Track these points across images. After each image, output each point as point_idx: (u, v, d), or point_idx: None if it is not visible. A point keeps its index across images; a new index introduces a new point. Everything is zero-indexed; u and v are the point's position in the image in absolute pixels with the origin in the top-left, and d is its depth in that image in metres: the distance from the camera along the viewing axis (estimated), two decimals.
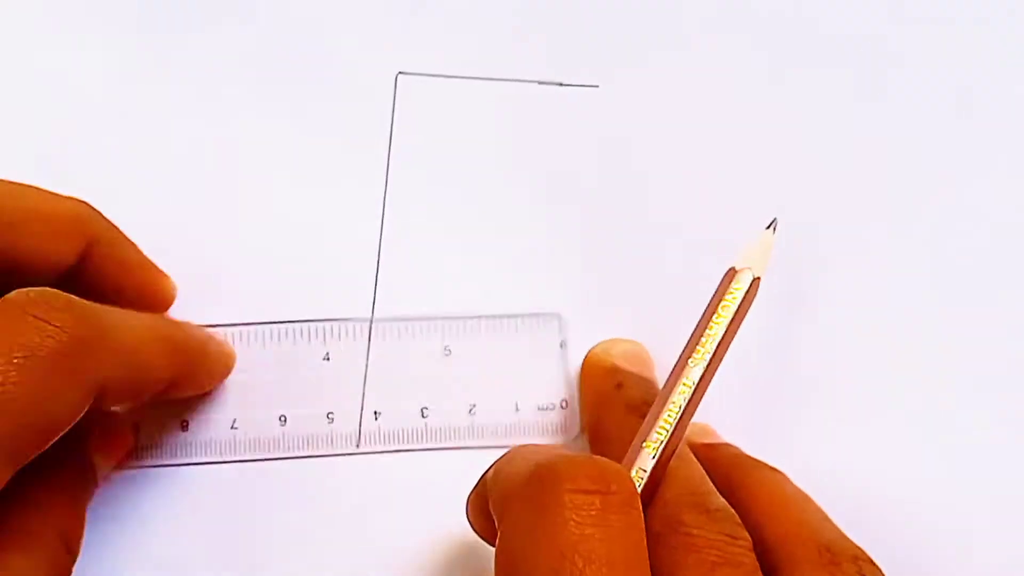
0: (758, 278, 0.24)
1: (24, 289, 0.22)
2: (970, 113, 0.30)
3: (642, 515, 0.21)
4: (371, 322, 0.29)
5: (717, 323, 0.23)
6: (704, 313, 0.24)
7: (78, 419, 0.22)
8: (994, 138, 0.30)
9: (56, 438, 0.22)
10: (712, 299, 0.24)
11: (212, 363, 0.28)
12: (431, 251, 0.30)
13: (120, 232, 0.27)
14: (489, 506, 0.23)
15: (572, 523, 0.20)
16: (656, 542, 0.21)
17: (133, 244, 0.28)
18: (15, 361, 0.21)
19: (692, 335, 0.24)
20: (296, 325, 0.29)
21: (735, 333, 0.23)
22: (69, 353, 0.22)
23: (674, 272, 0.30)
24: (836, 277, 0.30)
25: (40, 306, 0.22)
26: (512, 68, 0.30)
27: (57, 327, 0.22)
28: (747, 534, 0.22)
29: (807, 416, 0.29)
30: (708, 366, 0.23)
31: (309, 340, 0.29)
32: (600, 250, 0.30)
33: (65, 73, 0.31)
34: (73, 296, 0.23)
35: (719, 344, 0.23)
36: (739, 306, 0.23)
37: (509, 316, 0.29)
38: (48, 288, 0.23)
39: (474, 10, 0.31)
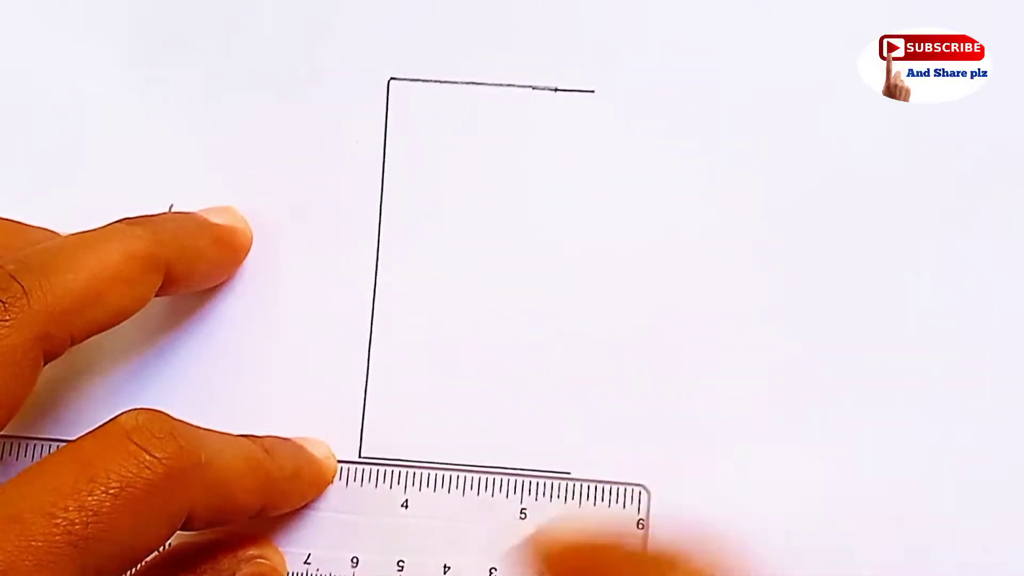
0: None
1: (133, 411, 0.23)
2: None
3: None
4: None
5: None
6: None
7: (164, 543, 0.23)
8: None
9: (140, 562, 0.23)
10: None
11: (305, 488, 0.28)
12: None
13: (184, 224, 0.28)
14: None
15: None
16: None
17: (200, 226, 0.28)
18: (111, 492, 0.21)
19: None
20: (377, 467, 0.29)
21: None
22: (163, 486, 0.22)
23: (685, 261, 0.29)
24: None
25: (143, 434, 0.22)
26: (506, 73, 0.30)
27: (156, 459, 0.22)
28: None
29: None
30: None
31: (391, 485, 0.29)
32: (599, 247, 0.30)
33: (57, 81, 0.31)
34: (177, 424, 0.23)
35: None
36: None
37: (591, 481, 0.29)
38: (156, 413, 0.23)
39: (467, 14, 0.30)
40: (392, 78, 0.30)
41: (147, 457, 0.22)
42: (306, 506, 0.29)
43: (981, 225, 0.29)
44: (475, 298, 0.30)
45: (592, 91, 0.30)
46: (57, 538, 0.21)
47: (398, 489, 0.29)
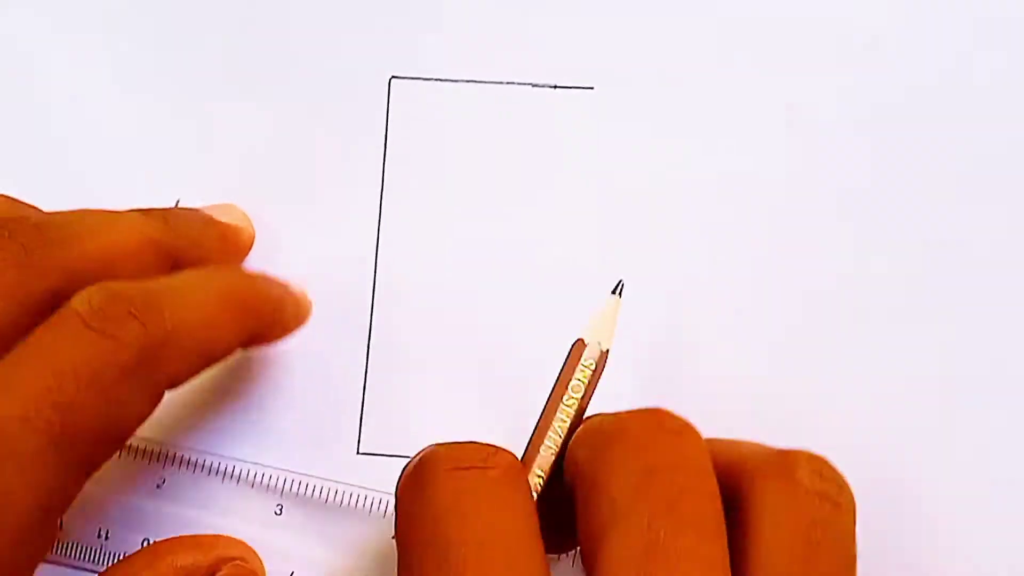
0: (606, 351, 0.23)
1: (85, 292, 0.22)
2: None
3: (530, 494, 0.21)
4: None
5: (568, 405, 0.23)
6: (552, 396, 0.23)
7: (150, 414, 0.22)
8: None
9: (128, 438, 0.22)
10: (560, 377, 0.23)
11: (287, 318, 0.27)
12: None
13: (192, 220, 0.27)
14: None
15: (448, 491, 0.20)
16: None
17: (206, 223, 0.28)
18: (82, 385, 0.21)
19: (542, 418, 0.23)
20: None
21: (585, 409, 0.23)
22: (136, 367, 0.21)
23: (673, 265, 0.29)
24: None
25: (100, 318, 0.21)
26: (506, 71, 0.30)
27: (121, 343, 0.21)
28: None
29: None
30: (557, 454, 0.23)
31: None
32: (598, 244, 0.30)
33: (59, 80, 0.31)
34: (134, 294, 0.22)
35: (568, 429, 0.23)
36: (588, 384, 0.23)
37: None
38: (109, 288, 0.22)
39: (468, 13, 0.31)
40: (393, 76, 0.30)
41: (111, 343, 0.21)
42: (288, 526, 0.28)
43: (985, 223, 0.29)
44: (475, 294, 0.29)
45: (591, 88, 0.30)
46: (36, 441, 0.20)
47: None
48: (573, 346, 0.23)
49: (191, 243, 0.27)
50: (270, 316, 0.26)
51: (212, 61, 0.31)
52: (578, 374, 0.23)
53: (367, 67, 0.30)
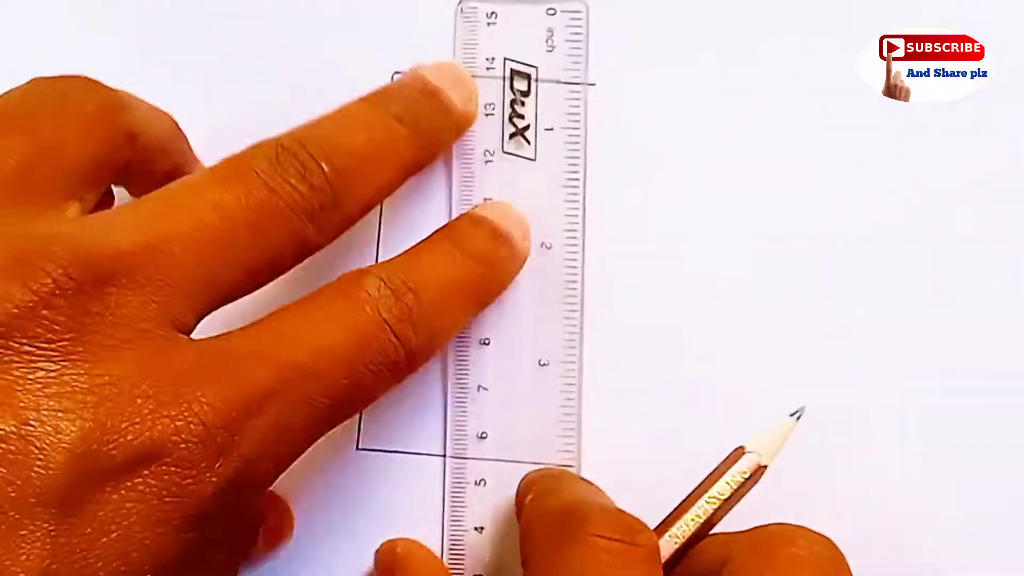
0: (763, 467, 0.24)
1: (373, 280, 0.24)
2: None
3: None
4: None
5: (709, 503, 0.23)
6: (699, 487, 0.24)
7: None
8: None
9: None
10: (712, 474, 0.24)
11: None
12: None
13: (435, 117, 0.28)
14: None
15: (593, 560, 0.21)
16: None
17: (446, 114, 0.28)
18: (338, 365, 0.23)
19: (680, 506, 0.24)
20: None
21: (724, 515, 0.24)
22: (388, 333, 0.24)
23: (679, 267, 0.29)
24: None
25: (395, 316, 0.24)
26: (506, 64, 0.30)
27: (405, 350, 0.24)
28: None
29: None
30: (683, 544, 0.23)
31: None
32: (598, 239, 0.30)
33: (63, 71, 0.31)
34: (417, 315, 0.24)
35: (703, 524, 0.23)
36: (736, 490, 0.24)
37: None
38: (398, 292, 0.24)
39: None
40: (396, 72, 0.30)
41: (392, 347, 0.23)
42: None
43: (983, 226, 0.29)
44: None
45: (593, 84, 0.30)
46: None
47: None
48: (734, 451, 0.24)
49: (433, 147, 0.28)
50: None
51: (213, 55, 0.31)
52: (728, 477, 0.24)
53: (369, 60, 0.30)
